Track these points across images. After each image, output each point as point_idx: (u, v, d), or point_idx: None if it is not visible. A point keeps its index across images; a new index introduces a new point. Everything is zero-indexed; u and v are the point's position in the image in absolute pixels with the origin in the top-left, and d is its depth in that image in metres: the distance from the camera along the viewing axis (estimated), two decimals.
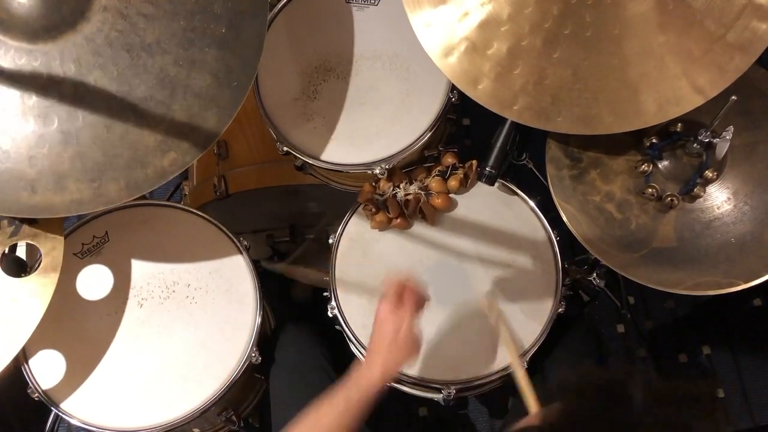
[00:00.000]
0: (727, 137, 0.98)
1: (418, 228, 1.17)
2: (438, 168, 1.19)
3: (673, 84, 0.93)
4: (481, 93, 1.00)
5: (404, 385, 1.16)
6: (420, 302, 0.92)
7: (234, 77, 0.97)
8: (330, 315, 1.13)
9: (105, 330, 1.09)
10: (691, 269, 1.01)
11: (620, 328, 1.75)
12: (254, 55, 0.99)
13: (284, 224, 1.56)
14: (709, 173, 1.02)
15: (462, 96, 1.14)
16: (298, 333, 1.22)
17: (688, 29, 0.92)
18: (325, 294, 1.16)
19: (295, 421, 0.86)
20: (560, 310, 1.10)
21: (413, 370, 1.07)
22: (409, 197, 1.15)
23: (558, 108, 0.98)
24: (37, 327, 0.95)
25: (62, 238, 1.00)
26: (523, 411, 1.17)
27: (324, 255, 1.20)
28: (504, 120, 1.05)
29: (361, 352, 1.12)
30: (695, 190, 1.02)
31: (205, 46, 0.96)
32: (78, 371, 1.06)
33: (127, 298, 1.11)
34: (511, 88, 0.98)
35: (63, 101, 0.92)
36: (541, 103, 0.98)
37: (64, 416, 1.04)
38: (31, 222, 1.00)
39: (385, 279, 0.93)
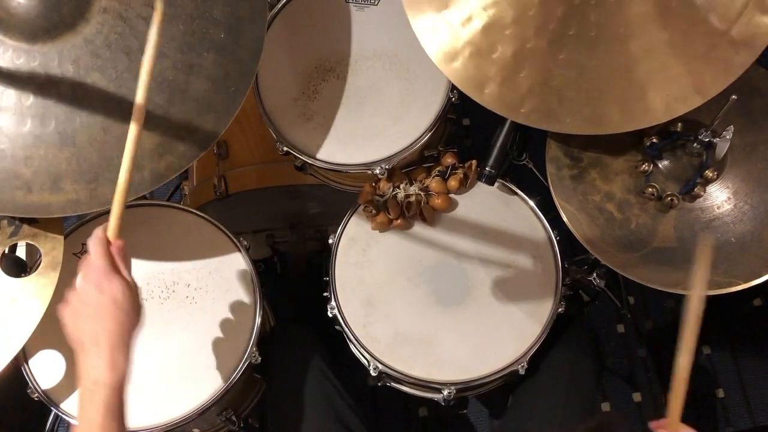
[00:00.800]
0: (727, 137, 0.98)
1: (418, 228, 1.17)
2: (438, 168, 1.19)
3: (680, 81, 0.93)
4: (488, 97, 1.00)
5: (404, 385, 1.16)
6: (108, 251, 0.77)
7: (232, 82, 0.97)
8: (330, 315, 1.13)
9: None
10: (692, 269, 1.01)
11: (620, 328, 1.75)
12: (252, 60, 0.99)
13: (284, 224, 1.56)
14: (709, 173, 1.02)
15: (462, 96, 1.14)
16: (298, 333, 1.22)
17: (692, 26, 0.92)
18: (325, 294, 1.16)
19: None
20: (560, 310, 1.10)
21: (413, 370, 1.07)
22: (410, 198, 1.15)
23: (566, 109, 0.98)
24: (37, 327, 0.95)
25: (62, 238, 1.00)
26: (523, 411, 1.18)
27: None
28: (504, 120, 1.05)
29: (360, 352, 1.12)
30: (695, 189, 1.02)
31: (204, 51, 0.96)
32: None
33: None
34: (518, 91, 0.99)
35: (61, 102, 0.92)
36: (548, 104, 0.98)
37: (64, 416, 1.04)
38: (32, 222, 1.00)
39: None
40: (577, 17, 0.95)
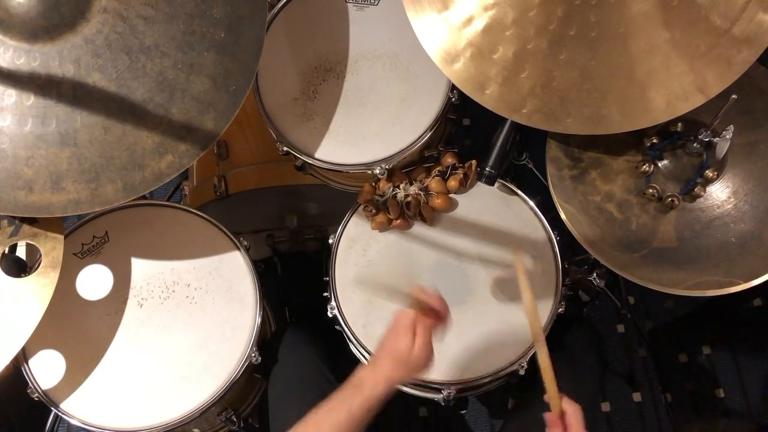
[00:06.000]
0: (728, 136, 0.98)
1: (418, 228, 1.17)
2: (438, 168, 1.19)
3: (681, 80, 0.93)
4: (488, 98, 1.00)
5: (404, 385, 1.16)
6: (441, 320, 0.91)
7: (232, 81, 0.97)
8: (330, 315, 1.13)
9: (105, 330, 1.09)
10: (691, 269, 1.01)
11: (620, 328, 1.75)
12: (252, 59, 0.99)
13: (284, 224, 1.56)
14: (709, 173, 1.02)
15: (462, 96, 1.14)
16: (298, 333, 1.22)
17: (694, 24, 0.92)
18: (325, 294, 1.16)
19: (294, 427, 0.84)
20: (560, 310, 1.10)
21: None
22: (410, 198, 1.15)
23: (567, 109, 0.98)
24: (37, 327, 0.95)
25: (62, 237, 1.00)
26: (523, 412, 1.18)
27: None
28: (504, 120, 1.05)
29: (360, 352, 1.12)
30: (696, 189, 1.02)
31: (204, 50, 0.96)
32: (78, 371, 1.06)
33: (127, 298, 1.11)
34: (520, 92, 0.99)
35: (61, 102, 0.92)
36: (549, 105, 0.98)
37: (64, 416, 1.04)
38: (32, 221, 1.00)
39: (413, 289, 0.90)
40: (578, 18, 0.95)
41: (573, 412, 0.85)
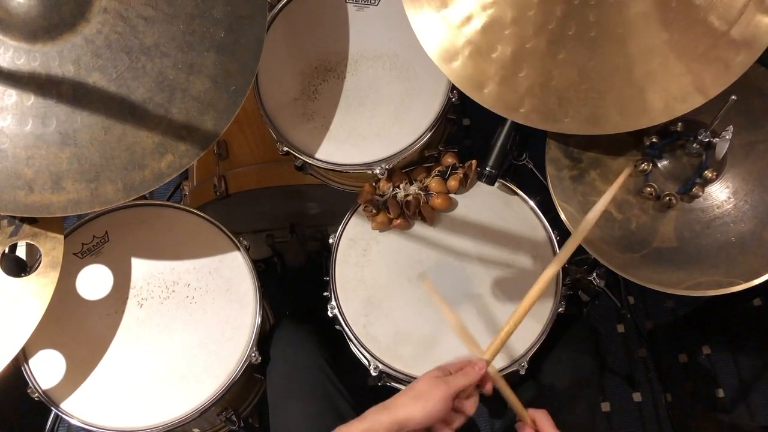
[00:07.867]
0: (727, 137, 0.98)
1: (418, 228, 1.18)
2: (438, 168, 1.19)
3: (679, 81, 0.93)
4: (487, 97, 1.00)
5: (404, 385, 1.16)
6: (465, 386, 0.87)
7: (232, 82, 0.97)
8: (330, 315, 1.13)
9: (105, 330, 1.09)
10: (692, 269, 1.01)
11: (620, 328, 1.75)
12: (253, 59, 0.99)
13: (284, 224, 1.56)
14: (708, 173, 1.02)
15: (462, 96, 1.14)
16: (298, 333, 1.22)
17: (692, 26, 0.92)
18: (325, 294, 1.16)
19: None
20: (560, 309, 1.10)
21: (413, 369, 1.08)
22: (410, 198, 1.15)
23: (565, 109, 0.98)
24: (37, 327, 0.95)
25: (62, 237, 1.00)
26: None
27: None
28: (504, 120, 1.05)
29: (360, 352, 1.12)
30: (694, 189, 1.02)
31: (204, 50, 0.96)
32: (78, 371, 1.06)
33: (127, 298, 1.11)
34: (518, 91, 0.99)
35: (61, 102, 0.93)
36: (548, 104, 0.98)
37: (64, 416, 1.04)
38: (32, 221, 1.00)
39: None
40: (577, 17, 0.95)
41: (541, 418, 0.87)
